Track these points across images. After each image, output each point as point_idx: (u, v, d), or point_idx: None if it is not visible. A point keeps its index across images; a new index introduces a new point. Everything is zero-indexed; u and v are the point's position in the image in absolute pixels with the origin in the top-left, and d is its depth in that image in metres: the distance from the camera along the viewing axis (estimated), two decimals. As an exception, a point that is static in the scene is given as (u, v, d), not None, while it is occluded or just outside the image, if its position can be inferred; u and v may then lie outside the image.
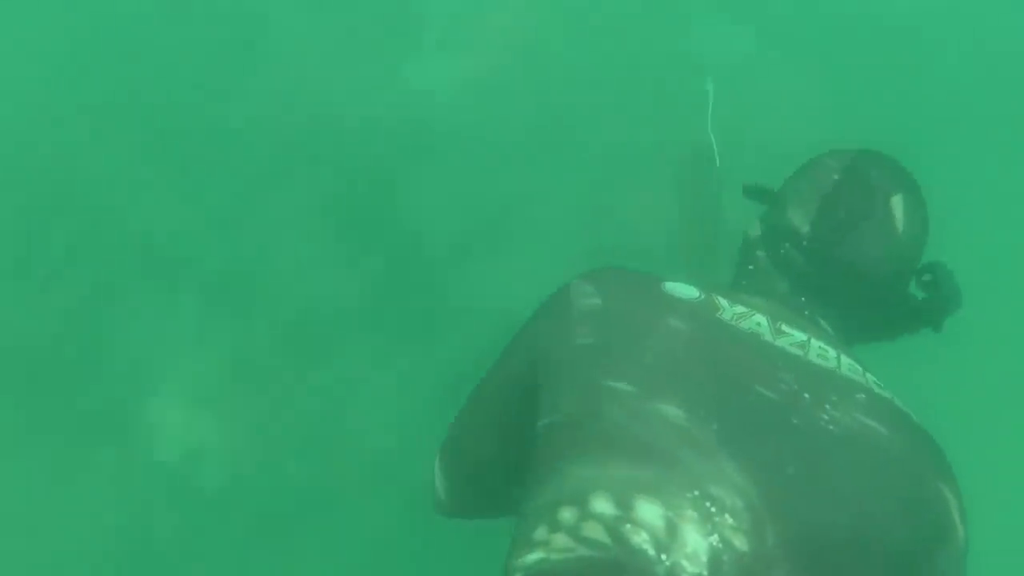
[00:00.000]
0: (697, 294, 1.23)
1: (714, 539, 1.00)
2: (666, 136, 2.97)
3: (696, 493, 1.02)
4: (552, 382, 1.16)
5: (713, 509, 1.01)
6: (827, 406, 1.12)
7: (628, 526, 1.00)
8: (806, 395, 1.13)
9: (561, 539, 1.02)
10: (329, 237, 2.91)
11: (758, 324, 1.20)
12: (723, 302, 1.23)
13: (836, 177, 1.34)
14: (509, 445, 1.25)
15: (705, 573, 0.98)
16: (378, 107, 2.99)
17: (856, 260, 1.32)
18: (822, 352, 1.20)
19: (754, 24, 3.17)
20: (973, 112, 3.04)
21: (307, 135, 2.97)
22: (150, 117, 2.97)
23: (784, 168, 1.54)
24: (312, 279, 2.87)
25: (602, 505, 1.02)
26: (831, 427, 1.10)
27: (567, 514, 1.04)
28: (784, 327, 1.22)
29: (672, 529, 0.99)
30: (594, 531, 1.01)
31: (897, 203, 1.32)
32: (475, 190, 2.97)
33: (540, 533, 1.05)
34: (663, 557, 0.98)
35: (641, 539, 0.99)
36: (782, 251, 1.35)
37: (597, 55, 3.21)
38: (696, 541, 0.99)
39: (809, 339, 1.22)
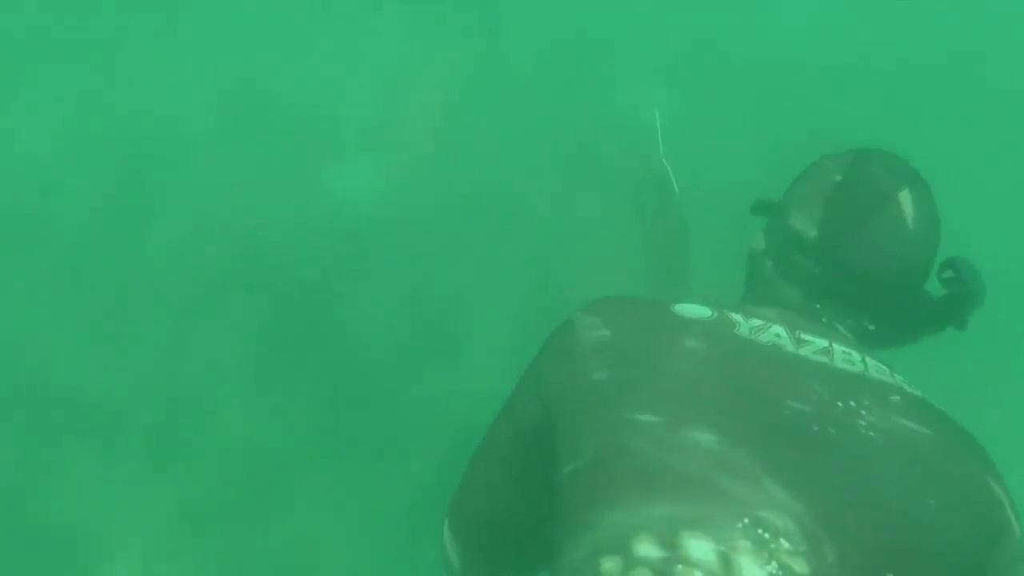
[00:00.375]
0: (709, 312, 1.17)
1: (772, 567, 0.94)
2: (602, 202, 2.91)
3: (746, 521, 0.97)
4: (570, 424, 1.09)
5: (767, 535, 0.96)
6: (862, 412, 1.08)
7: (679, 567, 0.94)
8: (839, 403, 1.08)
9: None
10: (271, 364, 2.77)
11: (777, 335, 1.16)
12: (737, 317, 1.18)
13: (838, 178, 1.29)
14: (526, 498, 1.18)
15: None
16: (305, 222, 2.90)
17: (868, 260, 1.26)
18: (847, 356, 1.16)
19: (679, 88, 3.16)
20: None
21: (233, 260, 2.85)
22: (63, 264, 2.82)
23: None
24: (259, 410, 2.72)
25: (647, 548, 0.95)
26: (871, 433, 1.06)
27: (610, 564, 0.96)
28: (804, 335, 1.17)
29: (727, 563, 0.94)
30: None
31: (905, 198, 1.27)
32: (415, 291, 2.87)
33: None
34: None
35: None
36: (791, 259, 1.29)
37: (521, 129, 3.16)
38: (754, 573, 0.94)
39: (831, 344, 1.17)
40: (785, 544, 0.96)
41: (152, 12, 3.33)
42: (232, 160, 3.00)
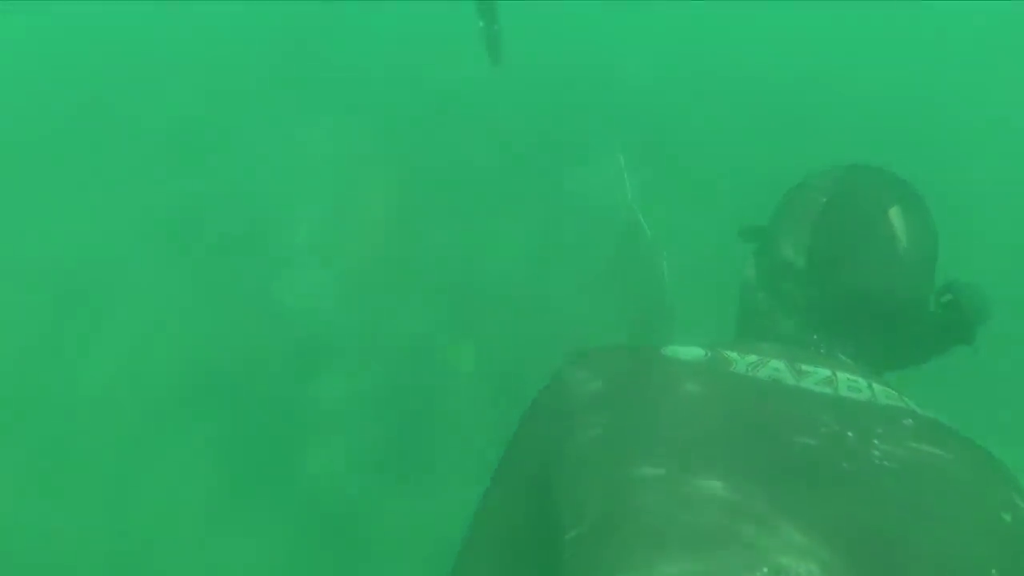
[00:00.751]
0: (703, 353, 1.15)
1: None
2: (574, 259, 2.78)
3: (765, 570, 0.93)
4: (570, 486, 1.05)
5: None
6: (875, 440, 1.05)
7: None
8: (849, 434, 1.05)
9: None
10: (224, 503, 2.51)
11: (776, 369, 1.14)
12: (732, 355, 1.15)
13: (824, 200, 1.25)
14: (526, 567, 1.12)
15: None
16: (256, 340, 2.70)
17: (862, 285, 1.22)
18: (852, 384, 1.13)
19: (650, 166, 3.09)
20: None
21: (178, 388, 2.63)
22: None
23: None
24: (218, 553, 2.45)
25: None
26: (886, 462, 1.04)
27: None
28: (804, 367, 1.15)
29: None
30: None
31: (896, 215, 1.22)
32: (379, 398, 2.65)
33: None
34: None
35: None
36: (782, 289, 1.26)
37: (480, 223, 3.02)
38: None
39: (834, 373, 1.15)
40: None
41: (84, 129, 3.22)
42: (172, 282, 2.82)
